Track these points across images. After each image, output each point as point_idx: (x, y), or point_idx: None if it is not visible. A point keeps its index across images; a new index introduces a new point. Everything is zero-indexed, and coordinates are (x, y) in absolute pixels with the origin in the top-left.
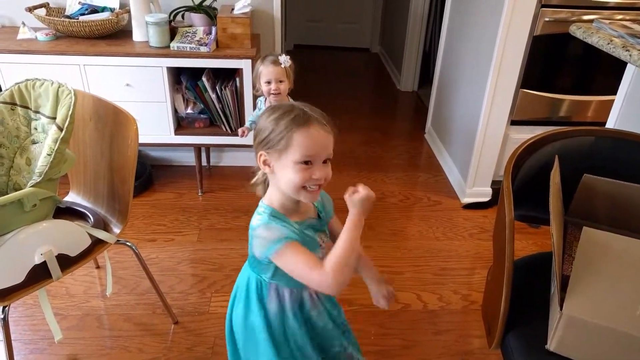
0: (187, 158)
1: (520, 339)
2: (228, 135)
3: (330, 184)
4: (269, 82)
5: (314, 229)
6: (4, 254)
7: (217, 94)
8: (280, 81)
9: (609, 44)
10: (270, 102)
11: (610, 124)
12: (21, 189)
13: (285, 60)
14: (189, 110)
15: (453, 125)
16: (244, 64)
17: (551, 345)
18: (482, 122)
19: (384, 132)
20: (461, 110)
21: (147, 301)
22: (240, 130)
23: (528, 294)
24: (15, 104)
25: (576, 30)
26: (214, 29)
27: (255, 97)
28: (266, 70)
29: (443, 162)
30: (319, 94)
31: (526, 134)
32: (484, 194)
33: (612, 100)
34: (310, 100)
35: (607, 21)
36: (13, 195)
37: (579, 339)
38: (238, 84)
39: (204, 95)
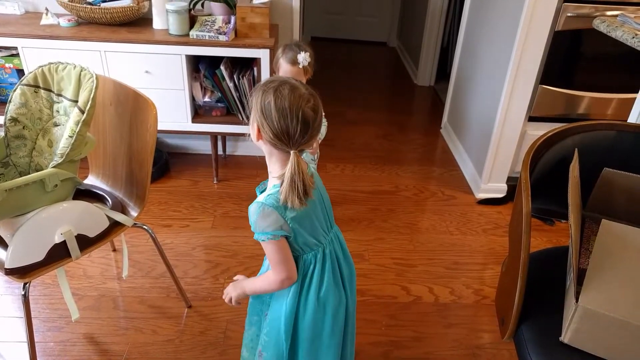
0: (204, 146)
1: (534, 331)
2: (244, 124)
3: (347, 176)
4: None
5: None
6: (26, 232)
7: (234, 82)
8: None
9: (633, 37)
10: None
11: (632, 119)
12: (43, 170)
13: (304, 59)
14: (207, 99)
15: (470, 121)
16: (262, 54)
17: (565, 337)
18: (499, 118)
19: (400, 126)
20: (478, 106)
21: (161, 285)
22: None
23: (542, 287)
24: (38, 87)
25: (600, 24)
26: (233, 18)
27: None
28: (284, 68)
29: (458, 157)
30: (336, 87)
31: (544, 131)
32: (499, 189)
33: (633, 99)
34: (327, 92)
35: (632, 15)
36: (35, 175)
37: (594, 332)
38: (256, 73)
39: (222, 84)
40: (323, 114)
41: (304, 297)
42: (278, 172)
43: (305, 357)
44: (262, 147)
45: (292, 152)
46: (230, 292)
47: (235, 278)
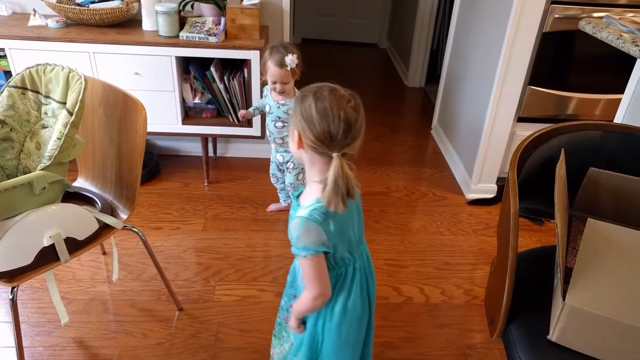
0: (194, 148)
1: (522, 330)
2: (235, 126)
3: None
4: (274, 82)
5: None
6: (14, 235)
7: (225, 84)
8: (285, 83)
9: (618, 39)
10: (274, 93)
11: (617, 119)
12: (31, 172)
13: (291, 61)
14: (197, 100)
15: (459, 122)
16: (252, 55)
17: (553, 335)
18: (488, 119)
19: (391, 128)
20: (468, 107)
21: (152, 288)
22: (240, 113)
23: (531, 286)
24: (26, 89)
25: (586, 26)
26: (223, 19)
27: (262, 85)
28: (271, 70)
29: (449, 158)
30: None
31: (533, 132)
32: (489, 190)
33: (620, 99)
34: None
35: (617, 17)
36: (23, 177)
37: (581, 330)
38: (246, 74)
39: (212, 86)
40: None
41: (330, 306)
42: (322, 180)
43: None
44: (303, 157)
45: (334, 154)
46: (293, 327)
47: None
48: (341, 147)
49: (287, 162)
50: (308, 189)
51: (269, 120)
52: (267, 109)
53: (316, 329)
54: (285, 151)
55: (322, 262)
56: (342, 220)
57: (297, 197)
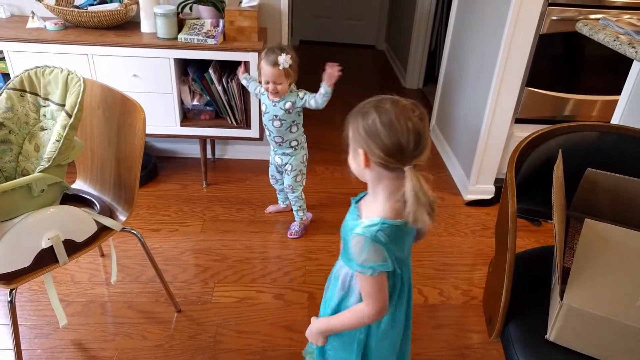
0: (192, 150)
1: (520, 329)
2: (233, 127)
3: (336, 178)
4: (267, 82)
5: None
6: (12, 237)
7: (223, 86)
8: (279, 83)
9: (615, 40)
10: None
11: (614, 120)
12: (29, 174)
13: (284, 61)
14: (195, 102)
15: (457, 123)
16: (251, 57)
17: (551, 335)
18: (486, 120)
19: None
20: (466, 108)
21: (150, 289)
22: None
23: (529, 286)
24: (24, 91)
25: (582, 27)
26: (221, 21)
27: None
28: (264, 70)
29: (447, 159)
30: None
31: (530, 133)
32: (486, 191)
33: (617, 100)
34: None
35: (614, 18)
36: (22, 179)
37: (579, 330)
38: None
39: (211, 88)
40: None
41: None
42: (388, 198)
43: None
44: (367, 176)
45: (407, 168)
46: (315, 340)
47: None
48: (412, 159)
49: (285, 164)
50: (372, 202)
51: (265, 119)
52: (262, 108)
53: (359, 339)
54: (284, 153)
55: (384, 279)
56: (403, 238)
57: (357, 202)
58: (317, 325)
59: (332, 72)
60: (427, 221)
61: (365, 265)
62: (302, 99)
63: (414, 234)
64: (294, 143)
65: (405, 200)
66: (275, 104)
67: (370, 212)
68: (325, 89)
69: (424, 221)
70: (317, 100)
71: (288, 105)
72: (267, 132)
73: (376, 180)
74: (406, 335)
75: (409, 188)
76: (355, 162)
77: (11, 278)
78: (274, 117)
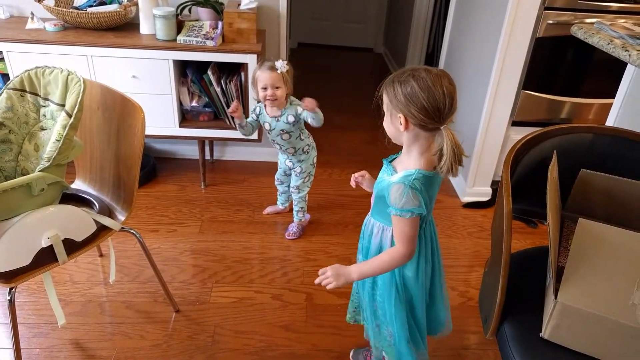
0: (191, 151)
1: (516, 328)
2: (232, 129)
3: (334, 180)
4: (265, 88)
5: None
6: (12, 236)
7: (222, 87)
8: (277, 87)
9: (609, 44)
10: (269, 107)
11: (609, 123)
12: (29, 174)
13: (281, 65)
14: (194, 104)
15: (455, 125)
16: (249, 59)
17: (545, 333)
18: (483, 123)
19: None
20: (463, 111)
21: (149, 289)
22: (233, 105)
23: (524, 285)
24: (24, 91)
25: (577, 31)
26: (220, 23)
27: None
28: (262, 76)
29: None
30: (323, 93)
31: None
32: (483, 193)
33: (612, 103)
34: (314, 97)
35: (608, 23)
36: (22, 179)
37: (573, 328)
38: (243, 78)
39: (209, 89)
40: None
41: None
42: (422, 153)
43: (420, 311)
44: (403, 137)
45: (443, 127)
46: (334, 280)
47: (328, 271)
48: (446, 119)
49: (295, 167)
50: (407, 159)
51: (273, 136)
52: (266, 127)
53: (397, 282)
54: (298, 160)
55: (418, 222)
56: (434, 187)
57: (390, 162)
58: (353, 269)
59: (307, 102)
60: (457, 172)
61: (405, 209)
62: (300, 114)
63: (439, 186)
64: (306, 148)
65: (442, 155)
66: (278, 120)
67: (406, 166)
68: (310, 115)
69: (456, 170)
70: (311, 122)
71: (291, 119)
72: (277, 147)
73: (412, 140)
74: (439, 284)
75: (447, 144)
76: (393, 125)
77: (10, 277)
78: (282, 131)
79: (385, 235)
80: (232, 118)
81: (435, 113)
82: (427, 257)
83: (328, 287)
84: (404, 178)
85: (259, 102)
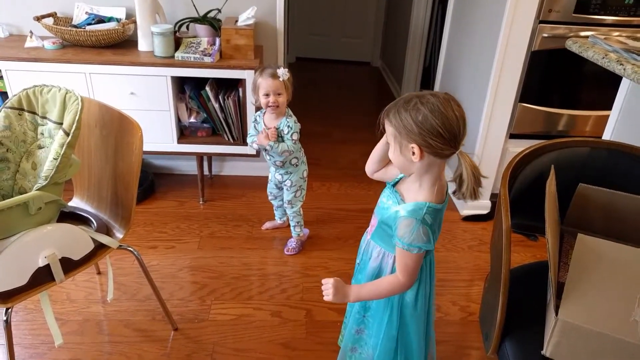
0: (189, 167)
1: (517, 345)
2: (230, 144)
3: (332, 194)
4: (267, 95)
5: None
6: (9, 256)
7: (220, 103)
8: (279, 94)
9: (603, 58)
10: (268, 114)
11: (606, 136)
12: (26, 192)
13: (283, 73)
14: (192, 120)
15: None
16: (247, 75)
17: (547, 350)
18: (480, 136)
19: None
20: None
21: (147, 307)
22: (271, 131)
23: (524, 302)
24: (22, 110)
25: (572, 45)
26: (217, 40)
27: (256, 109)
28: (265, 83)
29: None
30: (321, 107)
31: (525, 148)
32: (483, 206)
33: (609, 115)
34: (312, 112)
35: (602, 37)
36: (19, 198)
37: (574, 345)
38: (241, 94)
39: (207, 105)
40: None
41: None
42: (433, 184)
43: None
44: (414, 167)
45: (458, 152)
46: (332, 295)
47: (333, 280)
48: (460, 143)
49: (285, 180)
50: (417, 188)
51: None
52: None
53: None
54: (286, 172)
55: (422, 257)
56: (440, 219)
57: (393, 185)
58: (351, 292)
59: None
60: (479, 195)
61: (413, 244)
62: (291, 127)
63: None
64: (294, 161)
65: (462, 180)
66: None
67: (415, 197)
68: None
69: (479, 194)
70: (288, 146)
71: (287, 130)
72: (267, 158)
73: (425, 169)
74: (431, 313)
75: (466, 168)
76: (404, 157)
77: (7, 297)
78: (275, 141)
79: (385, 261)
80: (231, 132)
81: (451, 139)
82: (427, 282)
83: (324, 298)
84: (415, 213)
85: (257, 109)
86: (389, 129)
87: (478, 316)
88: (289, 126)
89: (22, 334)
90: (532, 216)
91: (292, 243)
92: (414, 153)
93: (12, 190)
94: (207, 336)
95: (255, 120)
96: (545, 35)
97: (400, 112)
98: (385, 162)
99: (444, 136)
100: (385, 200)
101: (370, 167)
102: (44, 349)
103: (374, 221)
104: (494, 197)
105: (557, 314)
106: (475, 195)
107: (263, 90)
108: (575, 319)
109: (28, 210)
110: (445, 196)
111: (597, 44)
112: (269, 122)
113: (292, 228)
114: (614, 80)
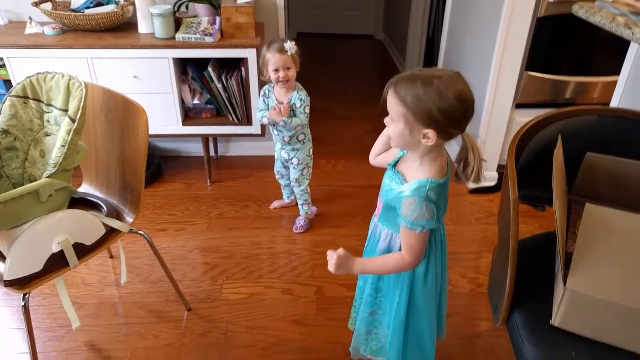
0: (195, 148)
1: (526, 316)
2: (235, 124)
3: (339, 171)
4: (276, 70)
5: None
6: (23, 243)
7: (223, 83)
8: (288, 68)
9: (611, 22)
10: (278, 88)
11: (614, 103)
12: (36, 180)
13: (290, 47)
14: (196, 101)
15: None
16: (249, 53)
17: (555, 320)
18: (486, 106)
19: None
20: None
21: (160, 289)
22: (284, 106)
23: (533, 272)
24: (27, 97)
25: (578, 10)
26: (218, 18)
27: (262, 83)
28: (273, 59)
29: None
30: (324, 82)
31: (531, 117)
32: (489, 178)
33: (617, 81)
34: (315, 88)
35: (610, 0)
36: (29, 186)
37: (583, 314)
38: (243, 73)
39: (210, 85)
40: None
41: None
42: (435, 160)
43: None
44: (421, 147)
45: (465, 134)
46: (335, 268)
47: (337, 253)
48: (466, 125)
49: (291, 158)
50: (417, 167)
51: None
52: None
53: (401, 296)
54: (293, 149)
55: (428, 235)
56: (445, 194)
57: (394, 166)
58: (356, 265)
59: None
60: (483, 175)
61: (416, 223)
62: (304, 100)
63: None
64: (301, 137)
65: (467, 162)
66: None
67: (417, 175)
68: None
69: (483, 176)
70: (301, 120)
71: (298, 103)
72: (274, 132)
73: (429, 150)
74: (443, 289)
75: (472, 149)
76: (413, 138)
77: (24, 283)
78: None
79: (393, 241)
80: (235, 113)
81: (463, 122)
82: (437, 257)
83: (328, 268)
84: (417, 190)
85: (264, 84)
86: (398, 107)
87: (487, 288)
88: (301, 99)
89: (40, 318)
90: (539, 187)
91: (300, 221)
92: (426, 137)
93: (22, 178)
94: (220, 315)
95: (265, 94)
96: (551, 0)
97: (419, 95)
98: (387, 147)
99: (462, 123)
100: (388, 182)
101: (374, 157)
102: (62, 332)
103: (379, 204)
104: (500, 169)
105: (565, 283)
106: (479, 178)
107: (272, 65)
108: (583, 288)
109: (39, 198)
110: (447, 169)
111: (604, 8)
112: (279, 96)
113: (299, 206)
114: (622, 45)
